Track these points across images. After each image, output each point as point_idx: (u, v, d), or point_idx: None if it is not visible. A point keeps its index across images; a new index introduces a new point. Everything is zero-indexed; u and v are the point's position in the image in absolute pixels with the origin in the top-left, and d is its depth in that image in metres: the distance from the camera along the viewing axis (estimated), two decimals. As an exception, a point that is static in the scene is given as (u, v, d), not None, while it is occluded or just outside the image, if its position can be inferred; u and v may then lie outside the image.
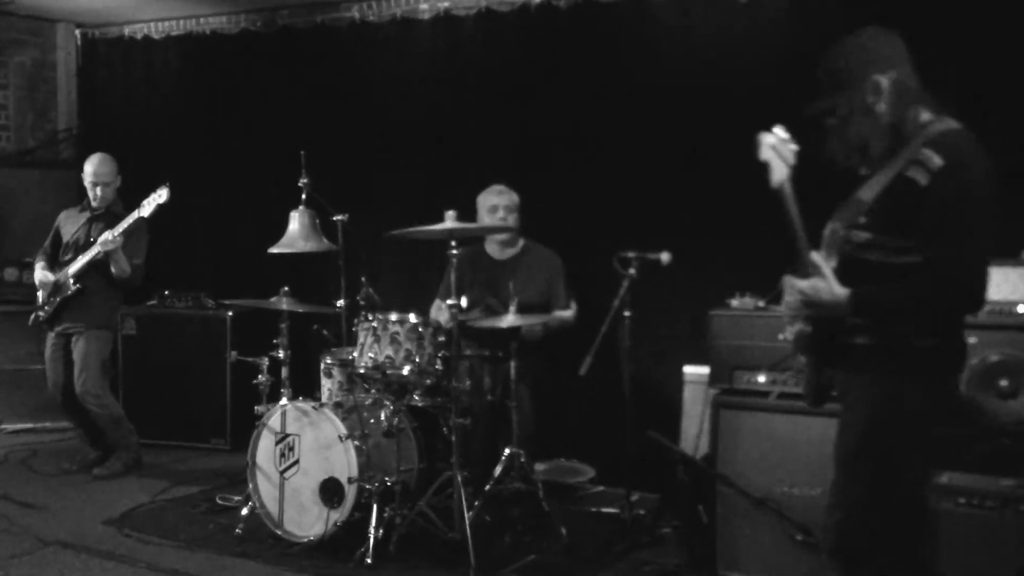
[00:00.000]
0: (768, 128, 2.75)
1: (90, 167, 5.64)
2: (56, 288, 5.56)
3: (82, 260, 5.45)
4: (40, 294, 5.67)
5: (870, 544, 2.63)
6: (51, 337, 5.70)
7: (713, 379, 4.18)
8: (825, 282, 2.59)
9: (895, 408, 2.57)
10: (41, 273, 5.66)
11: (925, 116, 2.64)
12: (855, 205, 2.69)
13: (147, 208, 5.28)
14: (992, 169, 2.55)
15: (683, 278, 5.07)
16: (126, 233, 5.37)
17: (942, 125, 2.60)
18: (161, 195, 5.25)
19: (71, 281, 5.48)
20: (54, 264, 5.65)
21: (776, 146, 2.67)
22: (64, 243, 5.69)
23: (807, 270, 2.64)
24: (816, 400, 2.89)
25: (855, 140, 2.67)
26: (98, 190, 5.61)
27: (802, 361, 2.92)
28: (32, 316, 5.72)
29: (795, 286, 2.66)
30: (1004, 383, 4.13)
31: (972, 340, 4.17)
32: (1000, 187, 2.58)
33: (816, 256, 2.64)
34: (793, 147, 2.69)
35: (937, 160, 2.49)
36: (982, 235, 2.51)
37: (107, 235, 5.33)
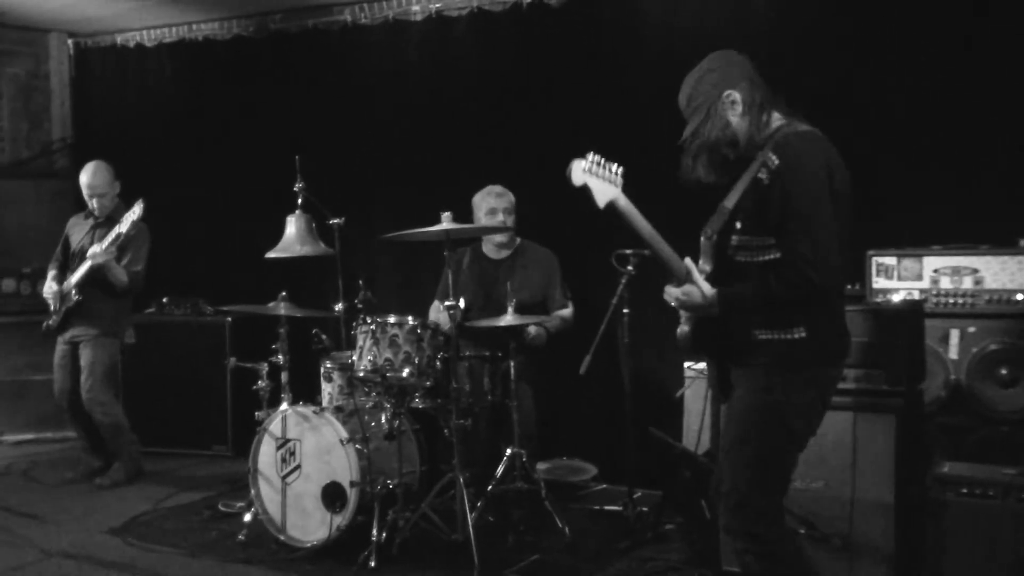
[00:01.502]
0: None
1: (84, 178, 5.64)
2: (62, 298, 5.57)
3: (81, 270, 5.45)
4: (51, 303, 5.67)
5: (756, 521, 2.84)
6: (59, 345, 5.71)
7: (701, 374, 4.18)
8: (695, 286, 2.85)
9: (768, 399, 2.80)
10: (47, 285, 5.68)
11: (776, 122, 2.89)
12: (720, 213, 2.92)
13: (125, 224, 5.30)
14: (830, 163, 2.76)
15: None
16: (120, 245, 5.38)
17: (789, 128, 2.84)
18: (135, 211, 5.26)
19: (73, 291, 5.50)
20: (65, 271, 5.65)
21: (591, 170, 2.82)
22: (72, 251, 5.69)
23: (679, 277, 2.88)
24: (723, 393, 3.05)
25: (714, 156, 2.92)
26: (94, 201, 5.62)
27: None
28: (44, 324, 5.72)
29: (670, 293, 2.92)
30: (1003, 372, 4.15)
31: (971, 329, 4.22)
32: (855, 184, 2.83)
33: (687, 262, 2.88)
34: (615, 167, 2.85)
35: (775, 159, 2.75)
36: (820, 226, 2.69)
37: (95, 248, 5.33)
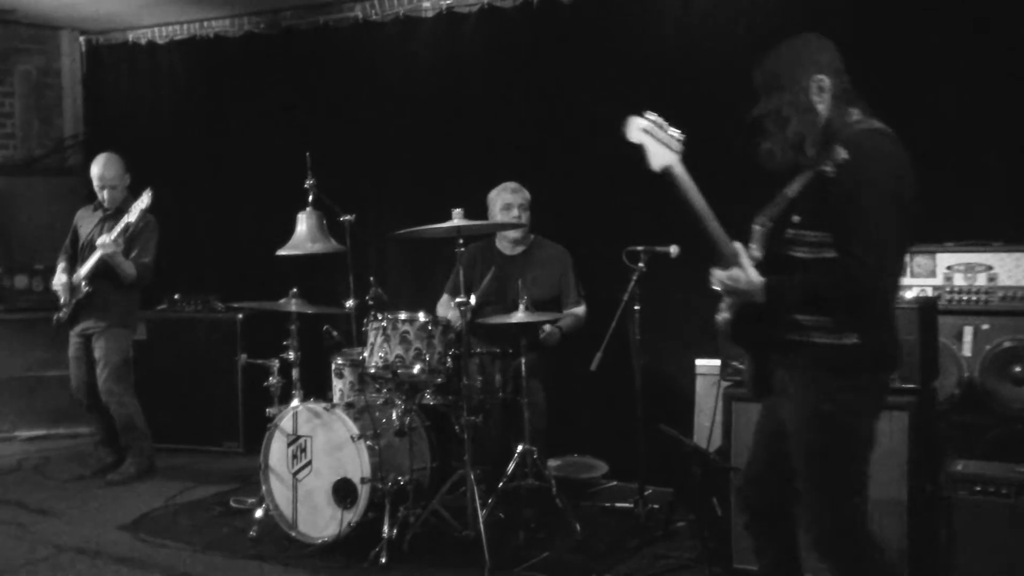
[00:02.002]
0: None
1: (96, 169, 5.66)
2: (72, 290, 5.59)
3: (90, 262, 5.47)
4: (61, 295, 5.70)
5: (841, 535, 2.75)
6: (72, 338, 5.73)
7: (725, 371, 4.16)
8: (743, 271, 2.73)
9: (828, 410, 2.69)
10: (57, 277, 5.70)
11: (854, 116, 2.77)
12: (781, 201, 2.82)
13: (133, 214, 5.31)
14: (903, 166, 2.66)
15: (693, 271, 5.00)
16: (129, 237, 5.39)
17: (863, 125, 2.73)
18: (143, 201, 5.27)
19: (83, 283, 5.51)
20: (75, 264, 5.67)
21: (649, 130, 2.70)
22: (81, 244, 5.71)
23: (727, 260, 2.76)
24: (756, 392, 2.99)
25: (793, 138, 2.75)
26: (105, 193, 5.63)
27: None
28: (54, 317, 5.75)
29: (716, 276, 2.80)
30: (1018, 369, 4.13)
31: (985, 326, 4.19)
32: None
33: (737, 246, 2.77)
34: (675, 132, 2.73)
35: (843, 154, 2.62)
36: (879, 229, 2.58)
37: (104, 238, 5.35)
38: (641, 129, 2.71)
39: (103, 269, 5.45)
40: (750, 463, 3.05)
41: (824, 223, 2.66)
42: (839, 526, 2.74)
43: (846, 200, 2.60)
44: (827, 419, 2.69)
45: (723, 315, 2.92)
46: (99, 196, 5.68)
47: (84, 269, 5.50)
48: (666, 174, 2.71)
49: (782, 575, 3.03)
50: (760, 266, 2.77)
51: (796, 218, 2.74)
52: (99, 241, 5.37)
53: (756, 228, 2.86)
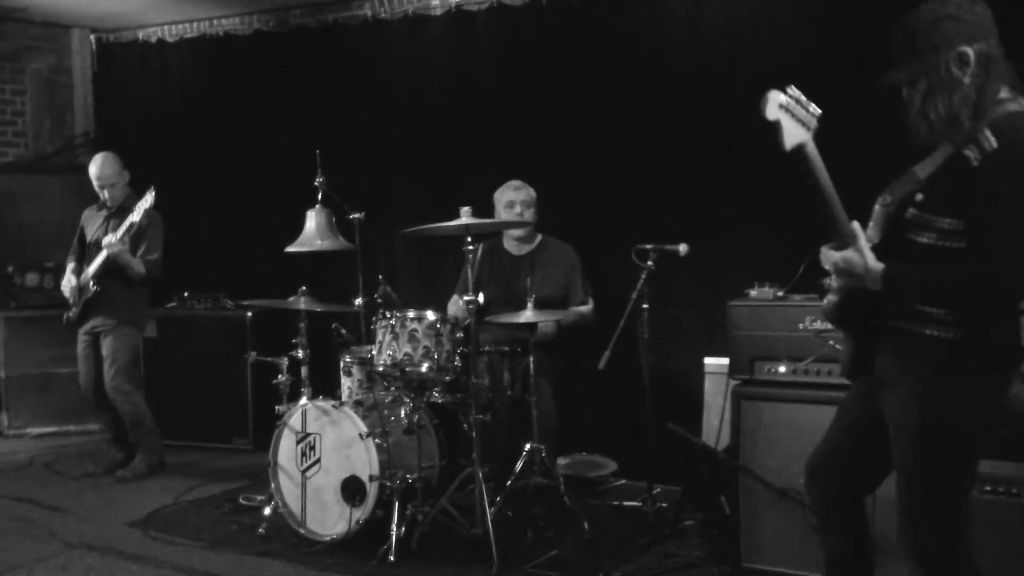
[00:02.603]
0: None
1: (93, 170, 5.67)
2: (80, 290, 5.61)
3: (97, 262, 5.48)
4: (69, 296, 5.72)
5: (938, 545, 2.61)
6: (80, 336, 5.75)
7: (733, 370, 4.15)
8: (859, 254, 2.53)
9: (945, 412, 2.51)
10: (66, 278, 5.73)
11: (1003, 94, 2.49)
12: (909, 181, 2.60)
13: (137, 213, 5.33)
14: None
15: (701, 269, 5.06)
16: (135, 234, 5.41)
17: (1014, 105, 2.47)
18: (147, 200, 5.29)
19: (91, 283, 5.53)
20: (83, 263, 5.70)
21: (788, 106, 2.49)
22: (88, 243, 5.73)
23: (844, 240, 2.56)
24: (852, 373, 2.82)
25: (942, 114, 2.48)
26: (105, 192, 5.66)
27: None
28: (64, 317, 5.77)
29: (829, 257, 2.60)
30: (1029, 368, 4.08)
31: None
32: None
33: (855, 226, 2.55)
34: (814, 109, 2.53)
35: (992, 141, 2.38)
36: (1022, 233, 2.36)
37: (110, 238, 5.37)
38: (780, 105, 2.46)
39: (110, 268, 5.47)
40: (828, 447, 2.87)
41: (958, 211, 2.44)
42: (937, 534, 2.60)
43: (990, 194, 2.37)
44: (935, 421, 2.52)
45: (830, 298, 2.74)
46: (100, 195, 5.69)
47: (91, 268, 5.52)
48: (798, 152, 2.50)
49: (849, 562, 2.91)
50: (876, 249, 2.56)
51: (920, 197, 2.53)
52: (105, 241, 5.39)
53: (877, 208, 2.66)
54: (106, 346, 5.63)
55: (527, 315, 4.49)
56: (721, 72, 5.28)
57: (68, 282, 5.70)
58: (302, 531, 4.44)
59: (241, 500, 5.06)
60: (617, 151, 5.60)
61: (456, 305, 5.10)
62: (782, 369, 3.99)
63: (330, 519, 4.37)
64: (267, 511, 4.60)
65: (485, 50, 6.09)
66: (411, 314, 4.39)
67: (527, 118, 5.89)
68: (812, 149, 2.50)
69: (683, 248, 4.58)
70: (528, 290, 4.55)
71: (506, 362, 4.63)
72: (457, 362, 4.40)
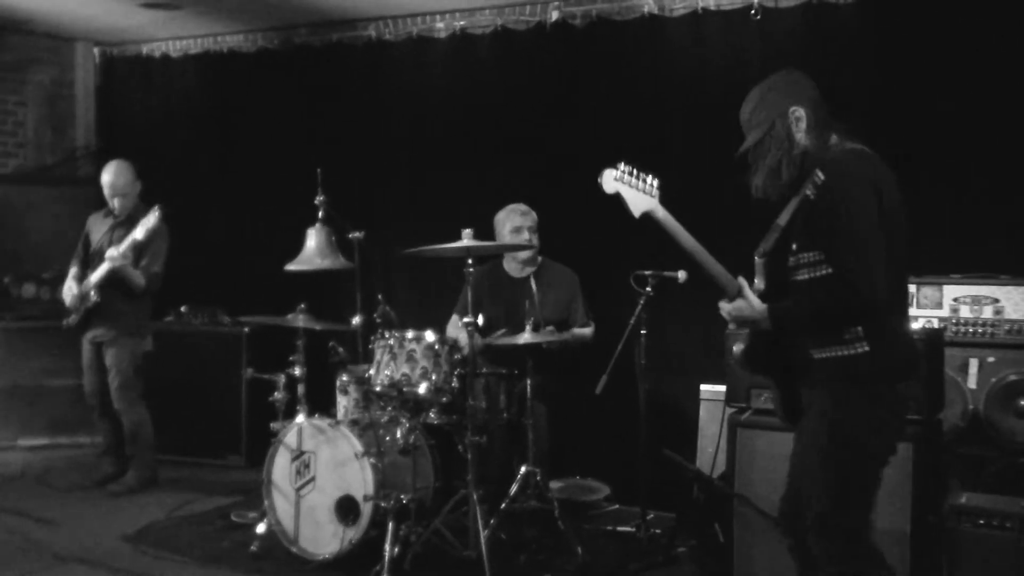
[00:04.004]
0: None
1: (107, 177, 5.67)
2: (81, 298, 5.62)
3: (99, 272, 5.49)
4: (68, 301, 5.72)
5: (839, 541, 2.80)
6: (84, 344, 5.76)
7: (730, 398, 4.17)
8: (746, 301, 2.88)
9: (845, 413, 2.77)
10: (68, 284, 5.73)
11: (833, 140, 2.90)
12: (775, 231, 2.94)
13: (140, 232, 5.33)
14: (878, 178, 2.76)
15: (700, 296, 5.04)
16: (137, 248, 5.42)
17: (841, 147, 2.87)
18: (151, 220, 5.30)
19: (92, 292, 5.54)
20: (86, 269, 5.69)
21: (623, 179, 2.84)
22: (92, 250, 5.74)
23: (729, 292, 2.90)
24: (788, 418, 3.05)
25: (775, 167, 2.89)
26: (116, 201, 5.66)
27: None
28: (64, 322, 5.76)
29: (723, 308, 2.96)
30: (1023, 402, 4.13)
31: (990, 359, 4.20)
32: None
33: (740, 280, 2.91)
34: (650, 180, 2.88)
35: (821, 176, 2.76)
36: (864, 241, 2.68)
37: (113, 251, 5.38)
38: (614, 179, 2.87)
39: (112, 279, 5.47)
40: (787, 490, 3.04)
41: (815, 243, 2.79)
42: (839, 529, 2.79)
43: (828, 218, 2.73)
44: (836, 426, 2.77)
45: (737, 346, 3.03)
46: (110, 203, 5.70)
47: (94, 278, 5.52)
48: (648, 219, 2.84)
49: None
50: (764, 295, 2.89)
51: (795, 245, 2.86)
52: (108, 254, 5.40)
53: (757, 260, 2.98)
54: (109, 356, 5.64)
55: (525, 338, 4.50)
56: (722, 98, 5.28)
57: (69, 289, 5.70)
58: (294, 549, 4.42)
59: (234, 517, 5.04)
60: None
61: (456, 327, 5.10)
62: (778, 398, 4.00)
63: (323, 538, 4.36)
64: (260, 528, 4.58)
65: (488, 73, 6.13)
66: (410, 334, 4.40)
67: (529, 141, 5.92)
68: (663, 215, 2.91)
69: (682, 275, 4.60)
70: (528, 313, 4.56)
71: (503, 385, 4.64)
72: (455, 383, 4.41)
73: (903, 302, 2.96)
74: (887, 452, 2.85)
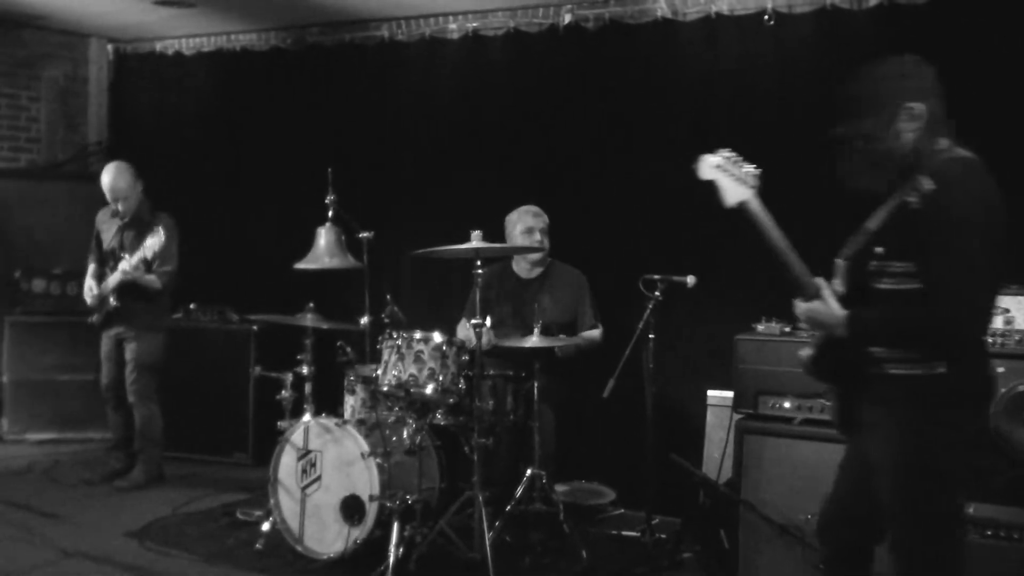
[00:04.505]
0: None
1: (106, 180, 5.64)
2: (101, 300, 5.65)
3: (114, 280, 5.52)
4: (90, 301, 5.75)
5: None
6: (105, 338, 5.80)
7: (737, 403, 4.16)
8: (825, 304, 2.70)
9: (913, 444, 2.60)
10: (87, 284, 5.76)
11: (942, 144, 2.68)
12: (863, 234, 2.77)
13: (149, 251, 5.31)
14: (991, 196, 2.59)
15: (708, 301, 5.07)
16: (147, 260, 5.44)
17: (949, 154, 2.66)
18: (155, 242, 5.28)
19: (110, 298, 5.58)
20: (103, 267, 5.72)
21: (723, 166, 2.71)
22: (104, 250, 5.76)
23: (808, 293, 2.74)
24: (844, 428, 2.90)
25: (879, 163, 2.69)
26: (119, 204, 5.66)
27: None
28: (88, 320, 5.78)
29: (798, 308, 2.78)
30: (1032, 414, 4.08)
31: (1000, 370, 4.17)
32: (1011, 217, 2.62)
33: (819, 281, 2.74)
34: (750, 168, 2.72)
35: (928, 184, 2.56)
36: (968, 263, 2.51)
37: (124, 264, 5.41)
38: (713, 166, 2.71)
39: (128, 284, 5.51)
40: (832, 502, 2.93)
41: (908, 254, 2.60)
42: (929, 567, 2.65)
43: (932, 233, 2.53)
44: (914, 456, 2.61)
45: (806, 351, 2.87)
46: (113, 206, 5.71)
47: (110, 284, 5.55)
48: (742, 210, 2.69)
49: None
50: (844, 300, 2.72)
51: (880, 249, 2.67)
52: (121, 267, 5.43)
53: (839, 262, 2.83)
54: (130, 351, 5.68)
55: (534, 340, 4.50)
56: (734, 104, 5.32)
57: (89, 290, 5.73)
58: (299, 548, 4.42)
59: (239, 514, 5.05)
60: (628, 180, 5.62)
61: (466, 328, 5.10)
62: (787, 404, 4.00)
63: (328, 537, 4.37)
64: (265, 526, 4.59)
65: (500, 75, 6.13)
66: (417, 335, 4.40)
67: (539, 144, 5.92)
68: (756, 206, 2.72)
69: (691, 280, 4.59)
70: (536, 315, 4.56)
71: (510, 387, 4.64)
72: (462, 385, 4.41)
73: (988, 323, 2.78)
74: (967, 478, 2.68)
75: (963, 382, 2.60)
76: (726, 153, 2.73)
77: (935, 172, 2.58)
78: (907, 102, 2.65)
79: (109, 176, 5.65)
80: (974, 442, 2.66)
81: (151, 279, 5.50)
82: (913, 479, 2.61)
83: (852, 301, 2.71)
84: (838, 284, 2.80)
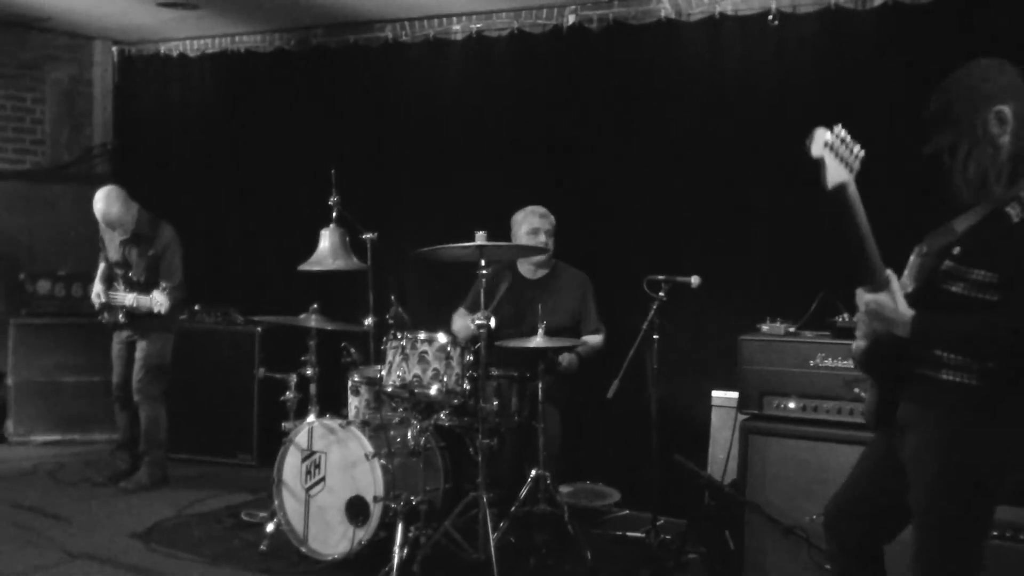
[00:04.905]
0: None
1: (99, 209, 5.59)
2: (111, 308, 5.66)
3: (121, 301, 5.54)
4: (98, 307, 5.77)
5: None
6: (116, 337, 5.82)
7: (742, 404, 4.15)
8: (891, 298, 2.54)
9: (964, 461, 2.52)
10: (95, 290, 5.75)
11: None
12: (946, 233, 2.65)
13: (156, 307, 5.34)
14: None
15: (713, 302, 5.06)
16: (152, 264, 5.49)
17: None
18: (158, 302, 5.32)
19: (120, 316, 5.62)
20: (112, 271, 5.73)
21: (833, 145, 2.50)
22: (111, 261, 5.77)
23: (877, 284, 2.57)
24: (876, 422, 2.81)
25: (976, 173, 2.55)
26: (115, 230, 5.67)
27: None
28: (99, 318, 5.79)
29: (862, 298, 2.61)
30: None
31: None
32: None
33: (890, 273, 2.58)
34: (858, 150, 2.54)
35: None
36: None
37: (128, 301, 5.46)
38: (825, 143, 2.49)
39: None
40: (847, 494, 2.87)
41: (993, 264, 2.46)
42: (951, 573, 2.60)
43: None
44: (953, 470, 2.53)
45: (859, 343, 2.76)
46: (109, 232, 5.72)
47: (118, 301, 5.57)
48: (839, 192, 2.51)
49: None
50: (910, 297, 2.59)
51: (957, 250, 2.55)
52: (127, 302, 5.47)
53: (912, 258, 2.73)
54: (140, 349, 5.71)
55: (538, 341, 4.49)
56: (738, 105, 5.32)
57: (97, 296, 5.73)
58: (304, 549, 4.42)
59: (244, 516, 5.05)
60: (632, 180, 5.62)
61: (462, 317, 5.08)
62: (792, 405, 3.99)
63: (333, 538, 4.36)
64: (269, 528, 4.59)
65: (504, 75, 6.13)
66: (422, 336, 4.39)
67: (543, 144, 5.92)
68: (853, 190, 2.50)
69: (695, 280, 4.58)
70: (540, 316, 4.55)
71: (515, 387, 4.63)
72: (466, 385, 4.40)
73: None
74: (1003, 492, 2.60)
75: (1017, 403, 2.51)
76: (839, 131, 2.51)
77: None
78: (994, 106, 2.52)
79: (100, 205, 5.59)
80: (1019, 462, 2.56)
81: (159, 302, 5.39)
82: (956, 491, 2.53)
83: (919, 300, 2.58)
84: (908, 279, 2.68)
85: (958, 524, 2.56)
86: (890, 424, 2.72)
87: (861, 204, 2.50)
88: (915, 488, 2.61)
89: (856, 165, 2.51)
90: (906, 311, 2.53)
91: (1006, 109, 2.51)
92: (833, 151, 2.47)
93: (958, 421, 2.53)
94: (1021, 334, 2.41)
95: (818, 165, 2.45)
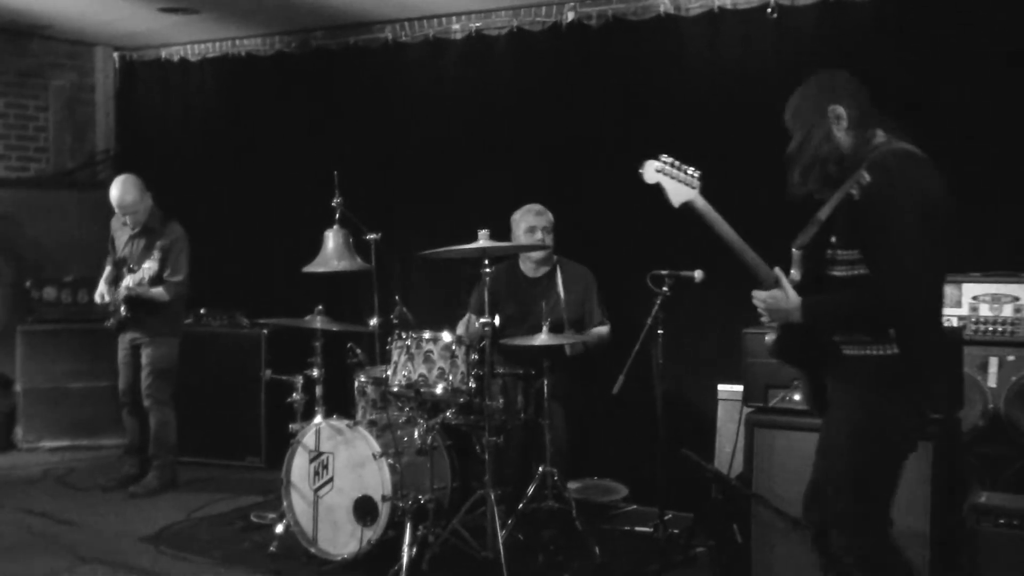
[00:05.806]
0: None
1: (114, 195, 5.65)
2: (113, 306, 5.69)
3: (121, 294, 5.57)
4: (99, 302, 5.81)
5: (858, 533, 2.84)
6: (121, 343, 5.83)
7: (747, 397, 4.15)
8: (782, 292, 2.86)
9: (870, 412, 2.80)
10: (100, 288, 5.80)
11: (879, 138, 2.89)
12: (814, 224, 2.92)
13: (147, 272, 5.39)
14: (928, 183, 2.75)
15: (717, 296, 5.06)
16: (160, 259, 5.46)
17: (888, 146, 2.84)
18: (151, 267, 5.38)
19: (122, 309, 5.63)
20: (119, 270, 5.74)
21: (665, 170, 2.88)
22: (118, 257, 5.80)
23: (767, 282, 2.89)
24: (816, 407, 3.06)
25: (812, 165, 2.89)
26: (127, 218, 5.69)
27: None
28: (105, 323, 5.82)
29: (757, 297, 2.94)
30: (1043, 402, 4.09)
31: (1011, 358, 4.17)
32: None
33: (776, 271, 2.90)
34: (692, 171, 2.91)
35: (867, 176, 2.74)
36: (906, 248, 2.68)
37: (127, 282, 5.48)
38: (656, 170, 2.91)
39: (135, 297, 5.56)
40: (811, 481, 3.04)
41: (854, 242, 2.78)
42: (859, 523, 2.83)
43: (872, 221, 2.72)
44: (859, 424, 2.81)
45: (769, 336, 3.02)
46: (122, 219, 5.74)
47: (119, 296, 5.60)
48: (689, 209, 2.85)
49: None
50: (799, 287, 2.88)
51: (834, 239, 2.84)
52: (124, 283, 5.51)
53: (793, 251, 2.97)
54: (145, 355, 5.73)
55: (542, 338, 4.50)
56: (737, 98, 5.31)
57: (100, 296, 5.77)
58: (313, 550, 4.44)
59: (253, 518, 5.07)
60: (634, 175, 5.60)
61: (466, 325, 5.10)
62: (796, 397, 3.99)
63: (341, 538, 4.38)
64: (279, 529, 4.60)
65: (504, 74, 6.14)
66: (427, 335, 4.41)
67: (544, 142, 5.93)
68: (702, 204, 2.93)
69: (699, 274, 4.59)
70: (544, 313, 4.56)
71: (520, 385, 4.64)
72: (471, 384, 4.41)
73: (939, 304, 2.96)
74: (909, 449, 2.89)
75: (914, 361, 2.77)
76: (666, 158, 2.92)
77: (872, 165, 2.76)
78: (829, 105, 2.89)
79: (117, 191, 5.65)
80: (918, 413, 2.86)
81: (157, 292, 5.51)
82: (858, 444, 2.81)
83: (809, 288, 2.87)
84: (794, 272, 2.94)
85: (864, 475, 2.82)
86: (828, 407, 2.99)
87: (718, 215, 2.90)
88: (823, 447, 2.93)
89: (695, 183, 2.92)
90: (795, 298, 2.85)
91: (840, 107, 2.88)
92: (667, 175, 2.90)
93: (867, 390, 2.81)
94: (885, 296, 2.71)
95: (659, 190, 2.85)
